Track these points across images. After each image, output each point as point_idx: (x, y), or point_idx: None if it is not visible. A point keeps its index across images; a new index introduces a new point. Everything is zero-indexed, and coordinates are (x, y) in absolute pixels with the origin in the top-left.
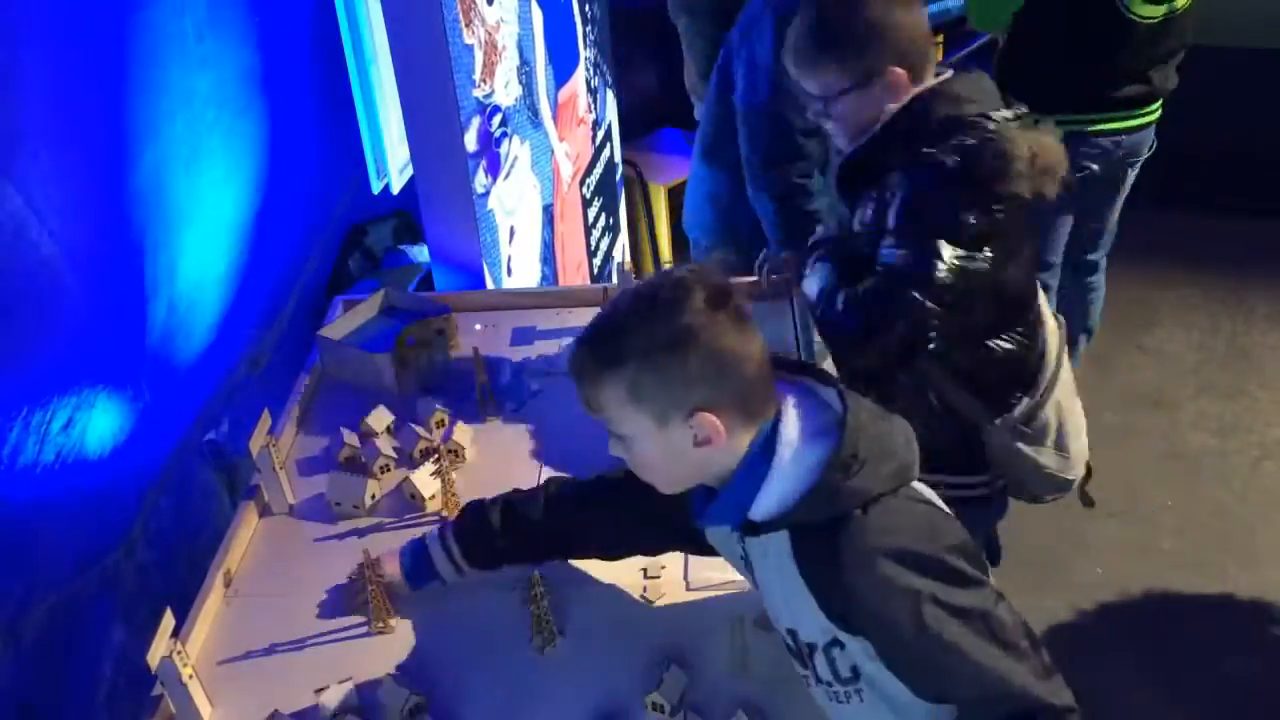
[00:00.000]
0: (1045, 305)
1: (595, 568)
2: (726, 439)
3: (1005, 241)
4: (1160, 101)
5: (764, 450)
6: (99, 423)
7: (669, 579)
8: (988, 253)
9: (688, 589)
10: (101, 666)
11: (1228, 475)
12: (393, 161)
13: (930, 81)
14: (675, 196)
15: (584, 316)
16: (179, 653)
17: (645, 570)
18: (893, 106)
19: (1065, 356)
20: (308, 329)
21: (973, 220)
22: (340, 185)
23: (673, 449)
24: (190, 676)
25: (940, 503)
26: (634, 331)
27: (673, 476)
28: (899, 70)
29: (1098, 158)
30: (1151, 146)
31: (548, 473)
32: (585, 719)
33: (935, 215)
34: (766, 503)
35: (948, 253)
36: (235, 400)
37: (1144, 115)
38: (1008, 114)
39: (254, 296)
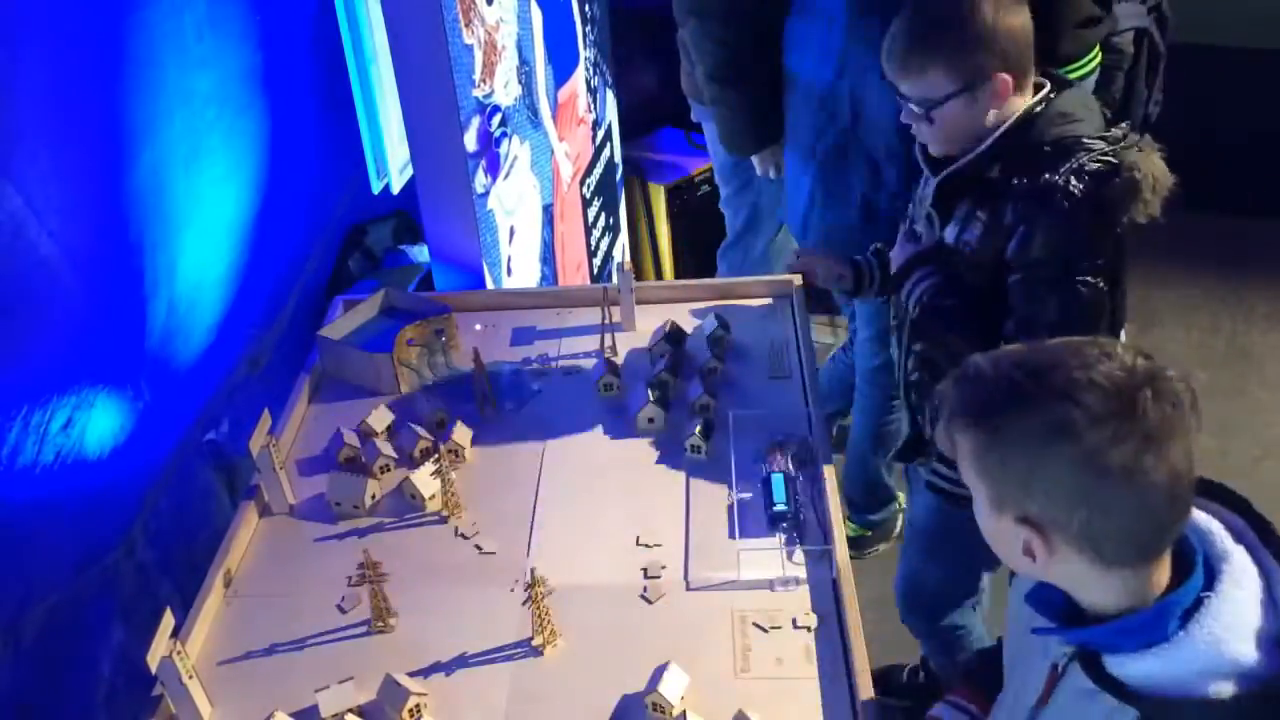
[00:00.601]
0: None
1: (595, 567)
2: (1052, 567)
3: (1122, 270)
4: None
5: (1173, 605)
6: (99, 423)
7: (669, 579)
8: (1106, 282)
9: (688, 589)
10: (101, 666)
11: (1228, 475)
12: (393, 161)
13: (1033, 95)
14: (675, 196)
15: (584, 316)
16: (179, 653)
17: (645, 570)
18: (994, 115)
19: None
20: (308, 329)
21: (1097, 250)
22: (340, 185)
23: (1000, 534)
24: (190, 676)
25: None
26: (1007, 400)
27: (995, 548)
28: (1005, 76)
29: None
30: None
31: (548, 473)
32: (585, 719)
33: (1072, 249)
34: (1150, 671)
35: (1069, 286)
36: (235, 400)
37: (1088, 64)
38: (1117, 133)
39: (254, 296)
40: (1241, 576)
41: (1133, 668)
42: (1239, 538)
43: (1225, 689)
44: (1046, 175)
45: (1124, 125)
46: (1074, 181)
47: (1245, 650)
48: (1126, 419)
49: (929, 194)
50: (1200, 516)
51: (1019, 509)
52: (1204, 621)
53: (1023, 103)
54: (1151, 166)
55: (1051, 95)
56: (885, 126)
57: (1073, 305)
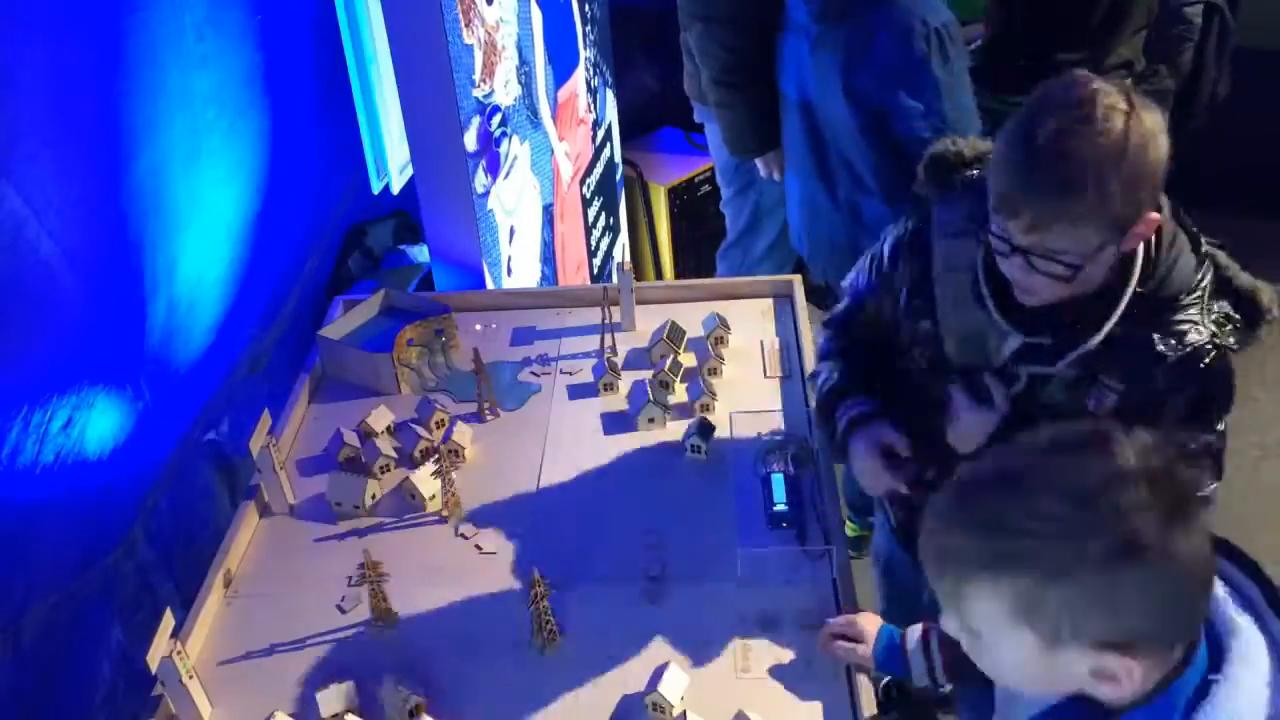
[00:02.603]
0: None
1: (595, 567)
2: (1139, 684)
3: None
4: (1130, 80)
5: (1177, 694)
6: (99, 423)
7: (669, 579)
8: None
9: (688, 589)
10: (101, 666)
11: (1228, 475)
12: (393, 161)
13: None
14: (675, 196)
15: (584, 316)
16: (179, 653)
17: (645, 570)
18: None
19: None
20: (308, 329)
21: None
22: (340, 185)
23: (1052, 668)
24: (190, 676)
25: None
26: (1052, 536)
27: (1031, 683)
28: (1155, 217)
29: None
30: None
31: (548, 473)
32: (585, 719)
33: (1225, 401)
34: None
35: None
36: (235, 400)
37: None
38: (1209, 249)
39: (254, 296)
40: (1250, 654)
41: None
42: (1247, 605)
43: None
44: (1189, 334)
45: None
46: (1215, 331)
47: None
48: (1176, 504)
49: (978, 330)
50: None
51: (1098, 638)
52: (1208, 712)
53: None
54: (1242, 276)
55: (1173, 230)
56: (849, 129)
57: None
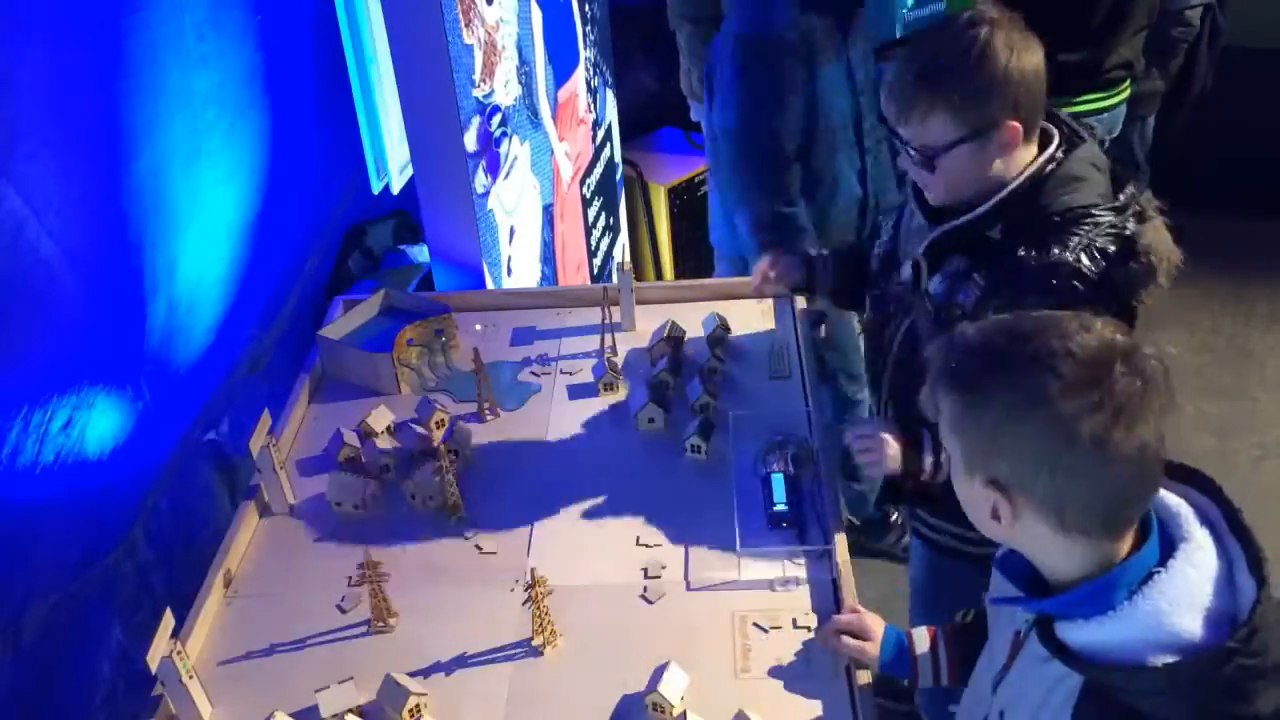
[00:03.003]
0: None
1: (595, 567)
2: (1017, 531)
3: None
4: (1130, 80)
5: (1119, 577)
6: (99, 423)
7: (669, 579)
8: None
9: (688, 589)
10: (101, 666)
11: (1228, 475)
12: (393, 161)
13: (1039, 146)
14: (675, 196)
15: (584, 317)
16: (179, 653)
17: (645, 570)
18: (999, 165)
19: None
20: (308, 329)
21: None
22: (340, 185)
23: (971, 498)
24: (190, 677)
25: None
26: (984, 369)
27: (969, 512)
28: (1015, 124)
29: None
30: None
31: (548, 473)
32: (585, 719)
33: None
34: (1096, 638)
35: None
36: (235, 400)
37: (1120, 93)
38: (1123, 199)
39: (254, 296)
40: (1198, 555)
41: (1080, 635)
42: (1206, 522)
43: (1164, 659)
44: (1056, 251)
45: (1129, 190)
46: (1085, 260)
47: (1188, 624)
48: (1098, 389)
49: (914, 232)
50: (1170, 498)
51: (988, 471)
52: (1149, 594)
53: (1029, 155)
54: (1159, 242)
55: (1060, 154)
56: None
57: None
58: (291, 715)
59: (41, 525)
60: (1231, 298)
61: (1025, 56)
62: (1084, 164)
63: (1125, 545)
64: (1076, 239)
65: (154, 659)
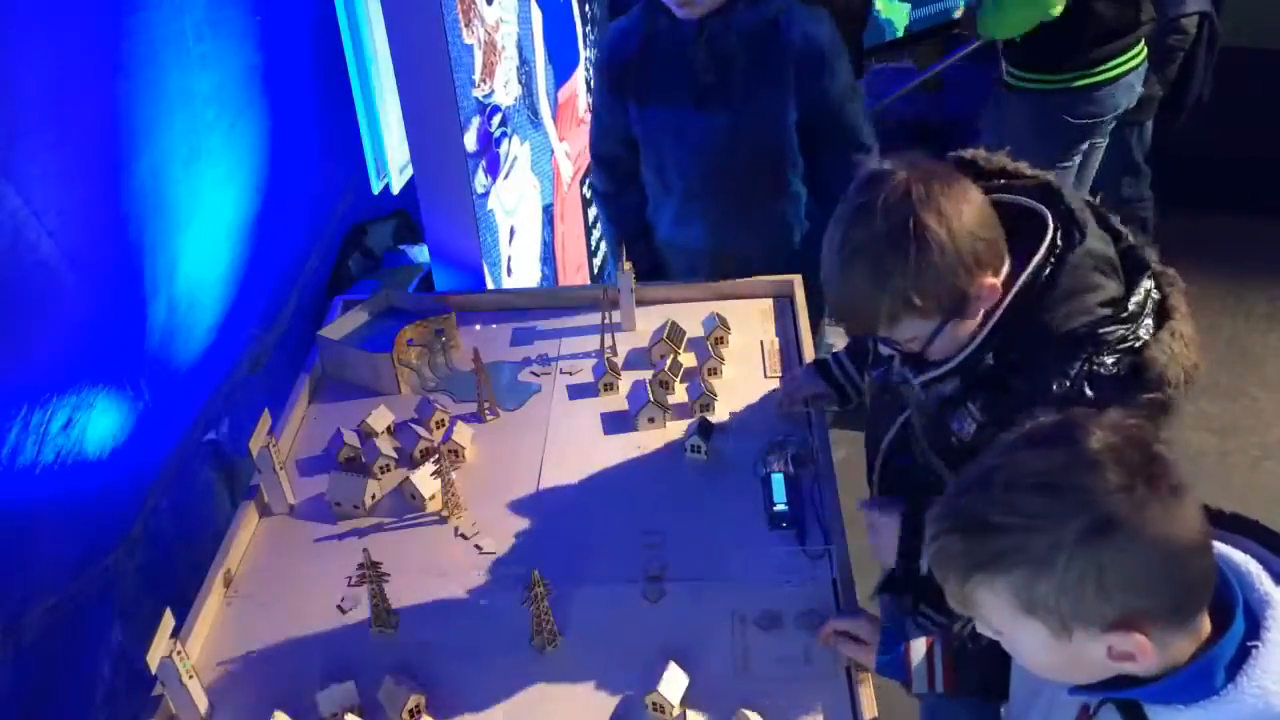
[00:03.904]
0: None
1: (595, 567)
2: (1155, 656)
3: None
4: (1143, 44)
5: (1218, 658)
6: (99, 423)
7: (669, 579)
8: None
9: (688, 589)
10: (101, 666)
11: (1228, 475)
12: (393, 161)
13: (1028, 261)
14: None
15: (585, 318)
16: (179, 653)
17: (645, 570)
18: (985, 308)
19: None
20: (308, 329)
21: None
22: (340, 185)
23: (1075, 656)
24: (190, 676)
25: None
26: (1029, 529)
27: (1064, 675)
28: (994, 283)
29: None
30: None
31: (548, 473)
32: (585, 719)
33: None
34: None
35: None
36: (235, 400)
37: (1133, 59)
38: (1133, 309)
39: (254, 296)
40: None
41: None
42: (1276, 577)
43: None
44: (1055, 386)
45: (1145, 286)
46: (1088, 391)
47: None
48: (1151, 480)
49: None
50: (1237, 556)
51: (1101, 620)
52: (1252, 674)
53: (1005, 275)
54: (1178, 351)
55: (1053, 258)
56: None
57: None
58: (291, 715)
59: (41, 525)
60: (1231, 297)
61: (960, 212)
62: (1085, 269)
63: (1207, 621)
64: (1077, 366)
65: (154, 659)
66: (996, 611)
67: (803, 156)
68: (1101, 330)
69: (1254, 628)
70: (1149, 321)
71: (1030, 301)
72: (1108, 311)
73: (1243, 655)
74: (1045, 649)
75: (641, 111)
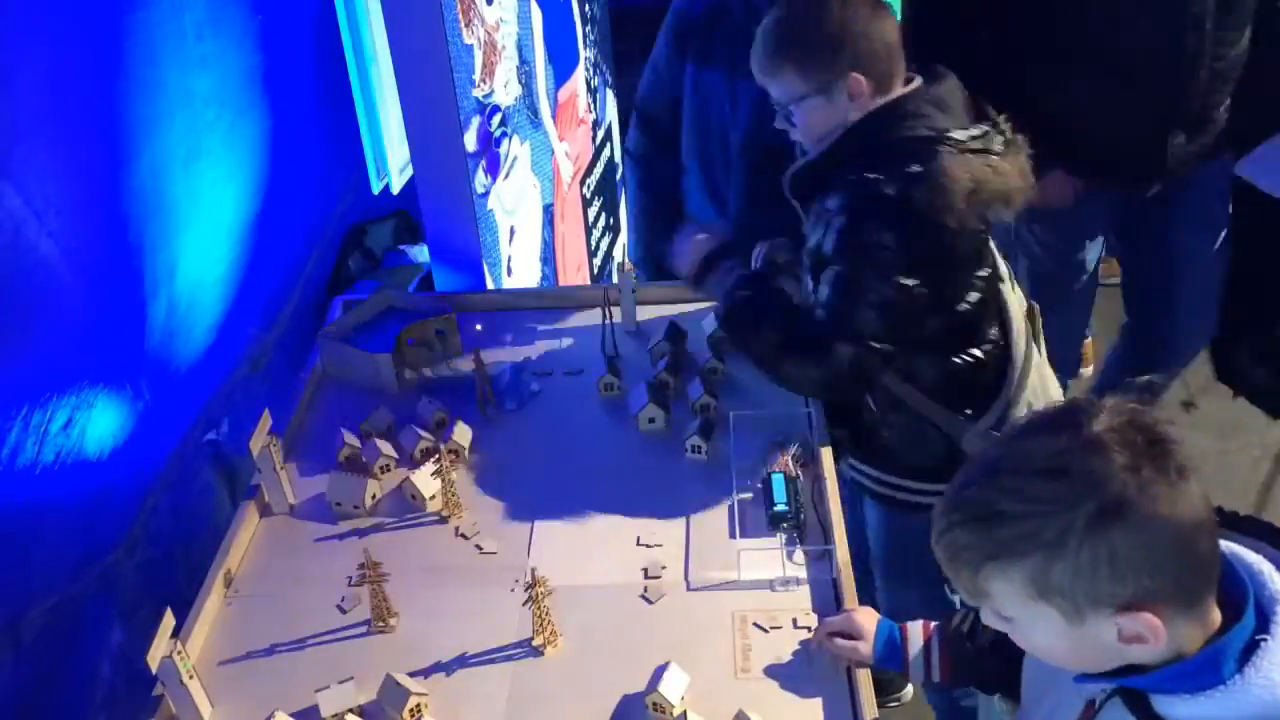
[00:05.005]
0: (1013, 306)
1: (595, 567)
2: (1165, 639)
3: (947, 269)
4: None
5: (1226, 647)
6: (99, 423)
7: (669, 579)
8: (923, 282)
9: (688, 589)
10: (101, 666)
11: (1228, 475)
12: (393, 161)
13: (896, 91)
14: None
15: (585, 318)
16: (179, 653)
17: (645, 570)
18: (855, 115)
19: (1037, 353)
20: (308, 329)
21: (908, 250)
22: (340, 185)
23: (1086, 641)
24: (190, 676)
25: None
26: (1039, 515)
27: (1073, 661)
28: (860, 78)
29: None
30: None
31: (548, 473)
32: (585, 719)
33: (869, 246)
34: (1205, 713)
35: (881, 284)
36: (235, 400)
37: None
38: (970, 133)
39: (254, 296)
40: None
41: (1183, 709)
42: None
43: None
44: (868, 174)
45: (984, 125)
46: (891, 184)
47: None
48: (1156, 461)
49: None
50: (1251, 556)
51: (1114, 601)
52: (1260, 665)
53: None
54: (985, 172)
55: (910, 90)
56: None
57: (887, 307)
58: (291, 715)
59: (41, 525)
60: None
61: (865, 17)
62: (927, 100)
63: (1214, 614)
64: (898, 166)
65: (154, 659)
66: (1010, 599)
67: None
68: (925, 138)
69: (1264, 623)
70: (975, 150)
71: (883, 119)
72: (944, 131)
73: (1252, 648)
74: (1057, 634)
75: (698, 74)
